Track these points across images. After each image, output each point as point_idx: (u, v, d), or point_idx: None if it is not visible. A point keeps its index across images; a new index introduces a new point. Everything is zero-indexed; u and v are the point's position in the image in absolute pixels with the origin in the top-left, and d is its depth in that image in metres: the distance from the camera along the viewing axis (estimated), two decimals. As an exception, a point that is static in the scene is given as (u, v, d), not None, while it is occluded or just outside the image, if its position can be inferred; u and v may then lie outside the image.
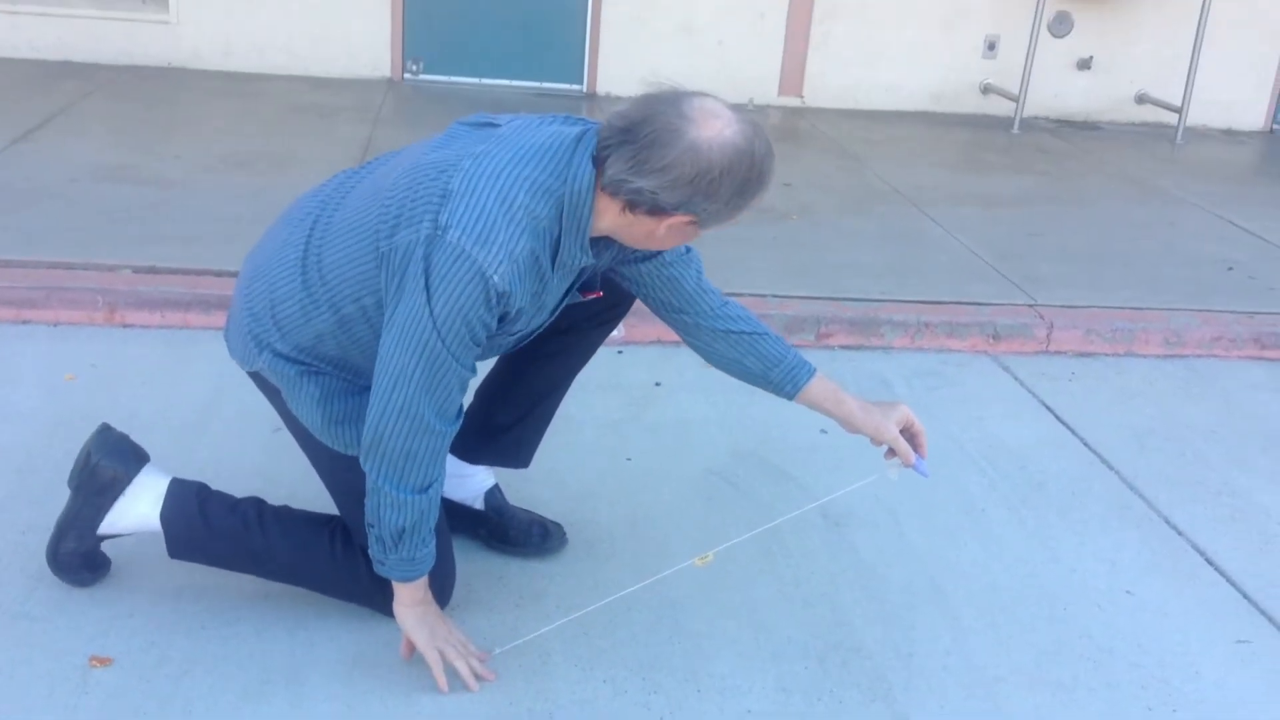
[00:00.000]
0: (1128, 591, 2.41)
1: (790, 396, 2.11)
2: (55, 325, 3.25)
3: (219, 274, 3.42)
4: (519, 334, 1.97)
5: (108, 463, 2.05)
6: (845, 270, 3.94)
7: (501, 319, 1.83)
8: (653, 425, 2.97)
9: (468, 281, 1.72)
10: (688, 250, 2.06)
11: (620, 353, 3.39)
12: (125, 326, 3.29)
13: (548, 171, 1.78)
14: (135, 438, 2.14)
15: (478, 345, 1.80)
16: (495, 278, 1.72)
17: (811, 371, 2.10)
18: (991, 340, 3.62)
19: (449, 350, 1.76)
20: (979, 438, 3.04)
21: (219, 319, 3.23)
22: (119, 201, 3.98)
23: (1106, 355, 3.67)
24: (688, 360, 3.38)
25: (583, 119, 1.88)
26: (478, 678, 1.97)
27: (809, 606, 2.28)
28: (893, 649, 2.17)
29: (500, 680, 2.00)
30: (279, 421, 2.20)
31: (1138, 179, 5.58)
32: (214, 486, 2.11)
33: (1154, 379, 3.54)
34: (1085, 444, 3.06)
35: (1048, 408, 3.26)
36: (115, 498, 2.05)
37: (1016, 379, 3.45)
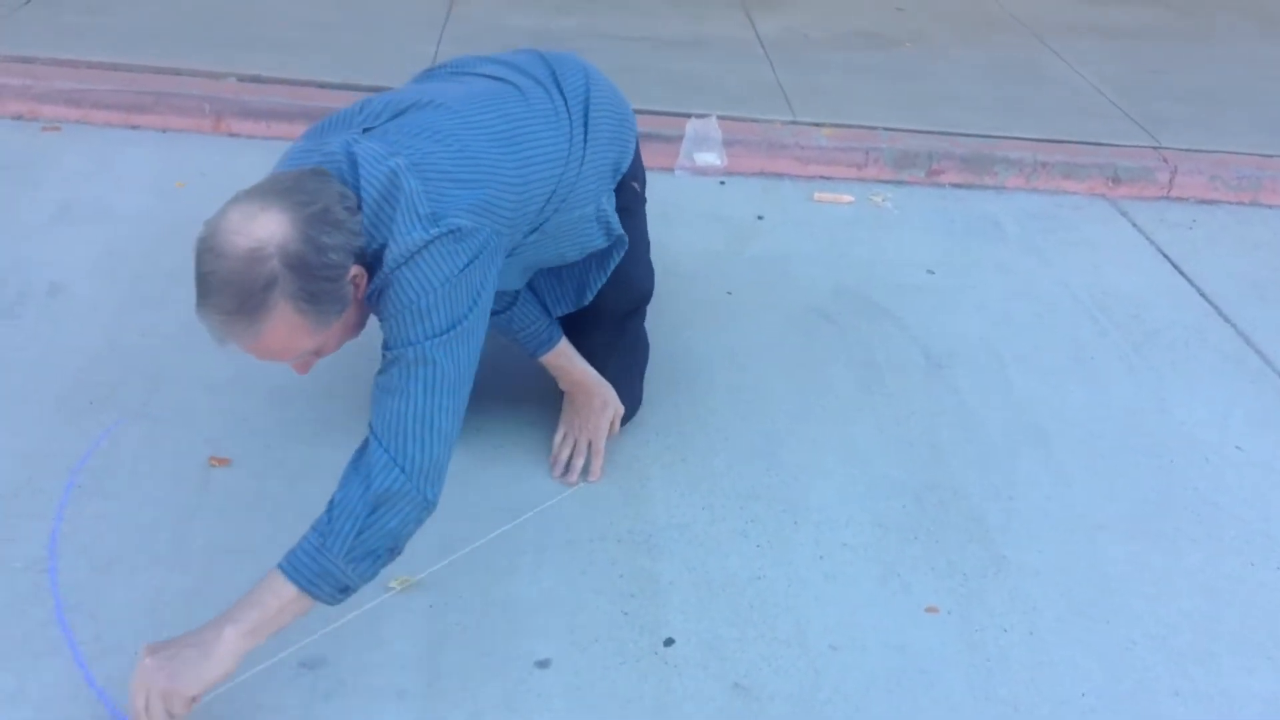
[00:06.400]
0: (1237, 447, 2.35)
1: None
2: (164, 131, 3.27)
3: (321, 85, 3.40)
4: None
5: None
6: (959, 103, 3.78)
7: None
8: (754, 259, 2.92)
9: None
10: None
11: (722, 184, 3.33)
12: (232, 136, 3.30)
13: None
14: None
15: None
16: None
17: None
18: (1111, 183, 3.47)
19: None
20: (1092, 284, 2.94)
21: (322, 132, 3.21)
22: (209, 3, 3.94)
23: (1230, 203, 3.51)
24: (791, 194, 3.30)
25: None
26: None
27: (908, 445, 2.27)
28: (992, 492, 2.16)
29: (601, 500, 2.05)
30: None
31: (1272, 15, 5.21)
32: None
33: (1279, 229, 3.38)
34: (1202, 294, 2.95)
35: (1165, 256, 3.14)
36: None
37: (1134, 225, 3.32)
